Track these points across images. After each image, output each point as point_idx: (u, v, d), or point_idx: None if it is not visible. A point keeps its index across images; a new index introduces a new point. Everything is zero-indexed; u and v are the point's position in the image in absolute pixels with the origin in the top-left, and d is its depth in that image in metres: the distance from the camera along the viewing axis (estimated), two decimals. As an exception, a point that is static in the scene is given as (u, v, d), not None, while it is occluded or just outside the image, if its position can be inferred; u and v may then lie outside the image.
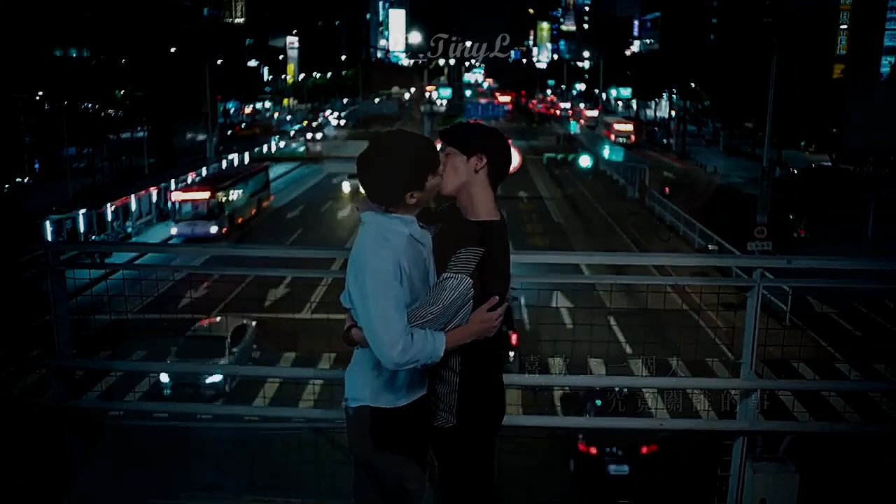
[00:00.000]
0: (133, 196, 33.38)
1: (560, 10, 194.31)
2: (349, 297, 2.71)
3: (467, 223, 2.74)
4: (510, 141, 3.06)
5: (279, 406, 5.50)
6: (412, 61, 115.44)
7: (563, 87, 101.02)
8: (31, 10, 40.14)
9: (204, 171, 41.29)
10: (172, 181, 36.94)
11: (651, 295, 4.44)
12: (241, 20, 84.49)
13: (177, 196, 32.41)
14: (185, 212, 31.41)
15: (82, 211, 29.50)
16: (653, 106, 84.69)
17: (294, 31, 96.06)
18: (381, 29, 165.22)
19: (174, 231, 30.98)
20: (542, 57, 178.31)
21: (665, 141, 65.80)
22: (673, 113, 69.26)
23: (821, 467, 5.29)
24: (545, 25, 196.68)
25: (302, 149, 59.30)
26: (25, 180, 39.11)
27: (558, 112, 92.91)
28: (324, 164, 50.73)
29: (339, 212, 36.49)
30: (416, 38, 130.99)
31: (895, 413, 10.86)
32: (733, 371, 4.12)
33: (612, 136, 59.05)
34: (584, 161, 48.01)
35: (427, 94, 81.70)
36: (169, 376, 14.60)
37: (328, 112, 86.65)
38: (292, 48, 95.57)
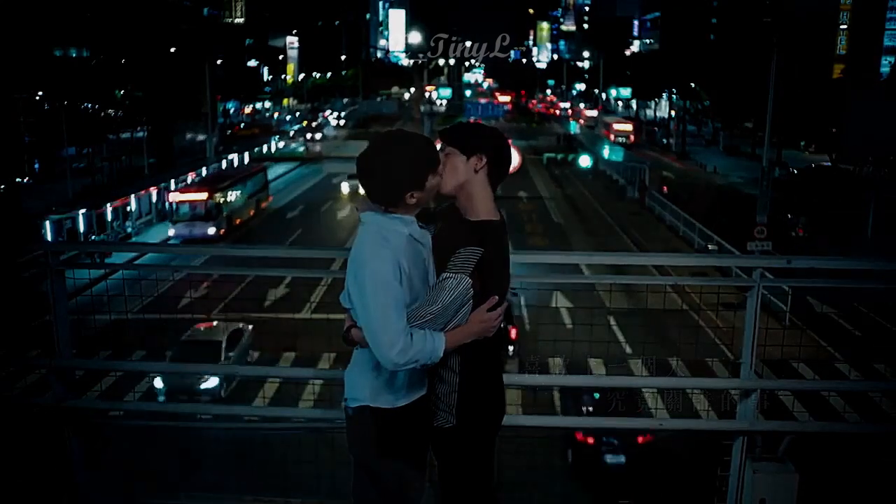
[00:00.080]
0: (133, 196, 33.34)
1: (560, 10, 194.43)
2: (349, 297, 2.70)
3: (467, 223, 2.73)
4: (510, 141, 3.05)
5: (279, 406, 5.49)
6: (412, 61, 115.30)
7: (563, 87, 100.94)
8: (30, 10, 40.13)
9: (204, 171, 41.26)
10: (172, 181, 36.96)
11: (651, 295, 4.45)
12: (240, 20, 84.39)
13: (174, 197, 32.26)
14: (182, 213, 31.25)
15: (82, 211, 29.45)
16: (652, 106, 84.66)
17: (294, 31, 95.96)
18: (380, 29, 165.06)
19: (172, 232, 30.84)
20: (542, 57, 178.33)
21: (665, 141, 65.82)
22: (673, 113, 69.25)
23: (821, 467, 5.29)
24: (545, 25, 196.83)
25: (301, 149, 59.18)
26: (25, 180, 39.02)
27: (558, 112, 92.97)
28: (323, 165, 50.65)
29: (339, 212, 36.43)
30: (415, 38, 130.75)
31: (895, 413, 10.87)
32: (733, 371, 4.12)
33: (612, 136, 59.11)
34: (584, 161, 48.07)
35: (427, 94, 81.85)
36: (163, 382, 14.51)
37: (328, 112, 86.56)
38: (292, 48, 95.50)
